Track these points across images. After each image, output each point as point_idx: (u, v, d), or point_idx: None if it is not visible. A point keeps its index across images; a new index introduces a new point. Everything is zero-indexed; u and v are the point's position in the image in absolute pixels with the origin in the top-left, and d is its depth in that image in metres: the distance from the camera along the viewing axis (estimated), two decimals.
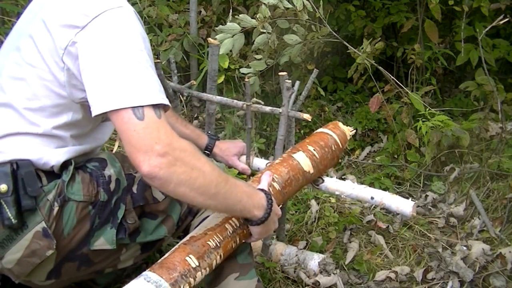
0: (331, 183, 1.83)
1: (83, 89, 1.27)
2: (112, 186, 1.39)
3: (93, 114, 1.23)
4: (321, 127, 1.96)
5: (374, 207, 2.40)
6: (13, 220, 1.27)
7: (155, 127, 1.18)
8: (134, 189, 1.43)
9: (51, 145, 1.34)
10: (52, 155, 1.33)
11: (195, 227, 1.46)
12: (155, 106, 1.21)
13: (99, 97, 1.21)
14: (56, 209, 1.31)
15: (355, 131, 1.95)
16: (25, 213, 1.29)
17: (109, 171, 1.41)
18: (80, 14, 1.26)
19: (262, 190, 1.44)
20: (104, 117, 1.31)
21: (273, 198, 1.45)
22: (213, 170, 1.26)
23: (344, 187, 1.82)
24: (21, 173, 1.28)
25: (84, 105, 1.32)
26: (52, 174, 1.35)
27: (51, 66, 1.28)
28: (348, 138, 1.89)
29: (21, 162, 1.30)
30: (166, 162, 1.16)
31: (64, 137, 1.36)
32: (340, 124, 1.90)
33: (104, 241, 1.38)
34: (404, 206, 1.72)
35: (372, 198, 1.77)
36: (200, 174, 1.22)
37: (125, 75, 1.21)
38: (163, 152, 1.16)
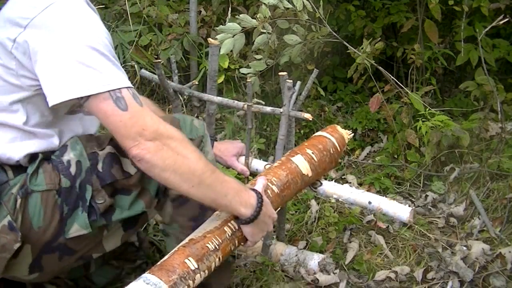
0: (329, 186, 1.83)
1: (33, 78, 1.28)
2: (73, 170, 1.37)
3: (50, 104, 1.25)
4: (321, 127, 1.97)
5: None
6: None
7: (141, 115, 1.25)
8: (100, 167, 1.39)
9: (16, 137, 1.34)
10: (15, 150, 1.33)
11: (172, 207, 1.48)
12: (129, 90, 1.26)
13: (56, 87, 1.23)
14: (19, 201, 1.30)
15: (353, 134, 1.96)
16: None
17: (69, 155, 1.38)
18: (29, 6, 1.27)
19: (254, 190, 1.43)
20: (71, 109, 1.38)
21: (265, 199, 1.43)
22: (199, 159, 1.31)
23: (342, 191, 1.82)
24: None
25: (40, 94, 1.32)
26: (20, 168, 1.34)
27: (2, 57, 1.29)
28: (347, 141, 1.90)
29: None
30: (154, 146, 1.24)
31: (27, 120, 1.34)
32: (338, 127, 1.91)
33: (78, 227, 1.36)
34: (402, 212, 1.72)
35: (370, 202, 1.78)
36: (185, 161, 1.27)
37: (92, 61, 1.23)
38: (151, 137, 1.24)
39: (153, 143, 1.23)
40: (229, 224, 1.41)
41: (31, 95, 1.32)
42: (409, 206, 1.73)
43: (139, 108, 1.26)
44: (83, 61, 1.23)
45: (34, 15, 1.25)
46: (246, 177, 1.95)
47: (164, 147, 1.25)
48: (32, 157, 1.36)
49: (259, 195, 1.42)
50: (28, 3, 1.28)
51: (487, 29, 2.29)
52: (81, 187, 1.36)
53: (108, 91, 1.23)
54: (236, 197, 1.36)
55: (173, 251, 1.30)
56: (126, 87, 1.26)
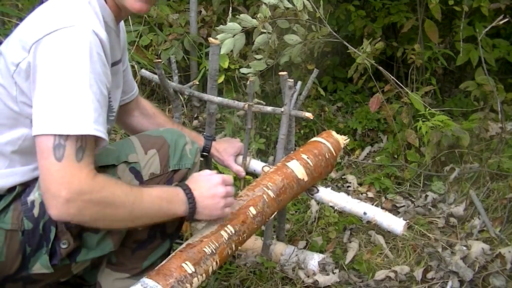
0: (325, 194, 1.83)
1: (31, 105, 1.24)
2: (36, 211, 1.31)
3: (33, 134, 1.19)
4: (321, 127, 1.97)
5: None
6: None
7: (69, 172, 1.15)
8: None
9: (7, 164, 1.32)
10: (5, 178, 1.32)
11: None
12: (81, 141, 1.17)
13: (38, 119, 1.18)
14: None
15: (348, 140, 1.97)
16: None
17: (34, 195, 1.32)
18: (34, 31, 1.23)
19: (176, 184, 1.39)
20: None
21: (193, 177, 1.40)
22: (126, 195, 1.24)
23: (338, 199, 1.82)
24: None
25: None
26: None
27: (4, 80, 1.27)
28: (342, 146, 1.91)
29: None
30: (74, 208, 1.15)
31: (10, 155, 1.32)
32: (334, 132, 1.93)
33: (40, 266, 1.33)
34: (395, 224, 1.72)
35: (365, 213, 1.78)
36: (113, 208, 1.21)
37: (59, 100, 1.16)
38: (69, 198, 1.13)
39: (72, 204, 1.14)
40: (225, 228, 1.42)
41: (27, 122, 1.29)
42: (403, 219, 1.73)
43: (73, 164, 1.15)
44: (60, 97, 1.16)
45: (38, 38, 1.21)
46: (243, 178, 1.94)
47: (86, 205, 1.16)
48: (11, 188, 1.34)
49: (183, 186, 1.37)
50: (38, 25, 1.24)
51: (487, 29, 2.29)
52: (45, 228, 1.31)
53: (54, 134, 1.15)
54: (170, 204, 1.33)
55: (170, 256, 1.33)
56: (78, 135, 1.16)
